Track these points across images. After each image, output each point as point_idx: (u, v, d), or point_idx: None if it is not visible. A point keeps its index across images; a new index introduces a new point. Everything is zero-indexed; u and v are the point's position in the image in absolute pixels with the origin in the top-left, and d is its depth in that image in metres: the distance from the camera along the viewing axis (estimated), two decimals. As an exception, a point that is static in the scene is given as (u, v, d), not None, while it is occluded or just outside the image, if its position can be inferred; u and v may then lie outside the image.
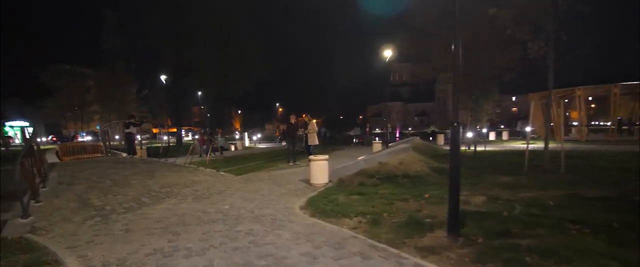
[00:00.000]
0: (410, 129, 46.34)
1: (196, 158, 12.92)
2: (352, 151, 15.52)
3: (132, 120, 11.44)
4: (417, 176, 7.10)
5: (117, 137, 22.67)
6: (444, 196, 4.55)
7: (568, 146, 9.23)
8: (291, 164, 10.15)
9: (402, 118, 65.95)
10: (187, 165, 9.14)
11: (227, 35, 25.56)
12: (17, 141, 25.64)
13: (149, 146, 19.23)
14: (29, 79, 32.01)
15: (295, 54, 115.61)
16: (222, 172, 8.36)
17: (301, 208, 4.89)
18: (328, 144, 20.12)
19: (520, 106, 56.98)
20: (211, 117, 34.23)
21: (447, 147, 14.18)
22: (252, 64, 27.52)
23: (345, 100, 70.83)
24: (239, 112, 63.02)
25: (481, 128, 15.65)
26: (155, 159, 11.12)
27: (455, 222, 3.33)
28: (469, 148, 13.00)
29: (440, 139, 19.46)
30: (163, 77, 27.40)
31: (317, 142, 10.89)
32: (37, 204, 4.66)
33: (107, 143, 12.39)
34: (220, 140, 18.53)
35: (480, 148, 12.50)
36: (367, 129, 28.55)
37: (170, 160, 10.04)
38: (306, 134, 10.73)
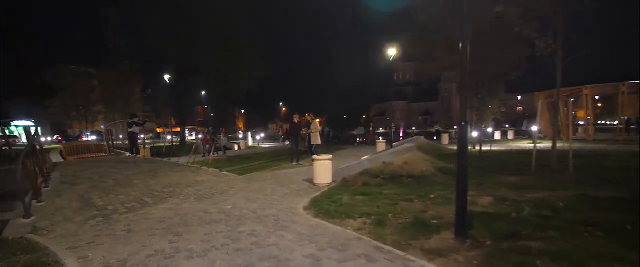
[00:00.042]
0: (414, 128, 46.03)
1: (199, 157, 12.92)
2: (356, 150, 15.43)
3: (135, 120, 11.45)
4: (422, 176, 6.99)
5: (121, 136, 22.77)
6: (450, 197, 4.46)
7: (575, 145, 9.07)
8: (294, 163, 10.09)
9: (405, 117, 65.63)
10: (190, 164, 9.11)
11: (227, 35, 25.47)
12: (23, 141, 25.87)
13: (153, 145, 19.29)
14: (32, 79, 32.40)
15: (296, 54, 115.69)
16: (225, 172, 8.33)
17: (305, 209, 4.82)
18: (331, 144, 20.01)
19: (525, 105, 56.40)
20: (215, 117, 34.32)
21: (452, 147, 14.23)
22: (252, 64, 27.43)
23: (347, 100, 70.80)
24: (243, 111, 63.08)
25: (487, 127, 15.46)
26: (158, 158, 11.12)
27: (463, 224, 3.24)
28: (474, 148, 12.87)
29: (445, 138, 19.33)
30: (167, 77, 27.48)
31: (319, 142, 10.82)
32: (39, 204, 4.66)
33: (111, 142, 12.44)
34: (223, 139, 18.54)
35: (485, 148, 12.37)
36: (371, 128, 28.35)
37: (173, 159, 10.04)
38: (309, 134, 10.69)
